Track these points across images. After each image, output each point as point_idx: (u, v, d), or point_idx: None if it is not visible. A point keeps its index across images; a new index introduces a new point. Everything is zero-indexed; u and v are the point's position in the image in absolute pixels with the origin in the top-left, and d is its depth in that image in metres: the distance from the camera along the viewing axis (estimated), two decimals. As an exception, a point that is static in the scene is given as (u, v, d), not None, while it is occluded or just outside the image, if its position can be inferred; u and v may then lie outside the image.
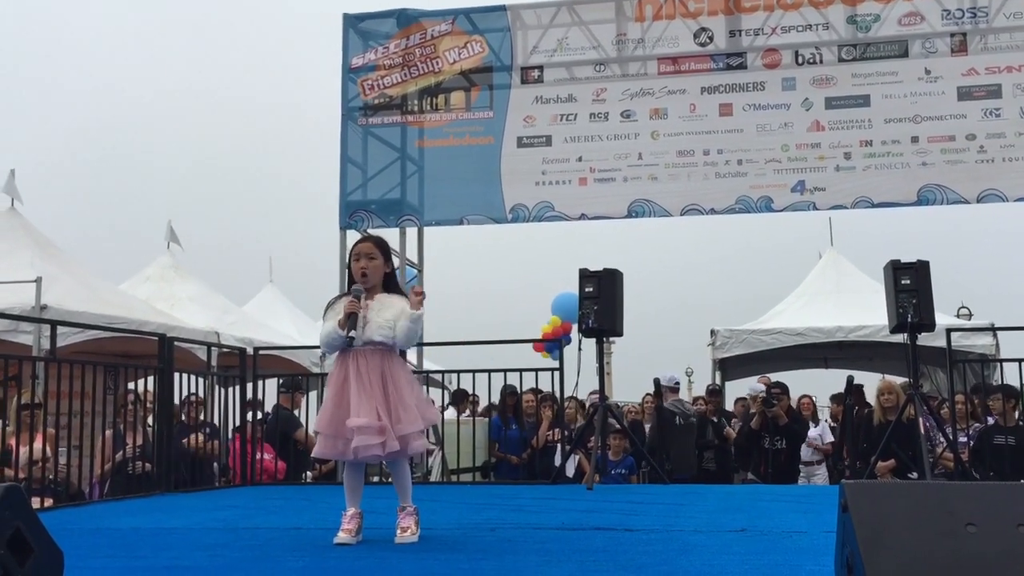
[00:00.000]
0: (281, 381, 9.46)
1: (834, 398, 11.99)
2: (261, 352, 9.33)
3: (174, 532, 5.07)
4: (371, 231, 9.94)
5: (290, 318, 15.99)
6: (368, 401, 4.36)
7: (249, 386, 8.57)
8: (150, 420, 8.14)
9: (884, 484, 2.59)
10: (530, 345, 12.83)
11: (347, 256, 4.71)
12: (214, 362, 9.20)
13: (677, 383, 10.47)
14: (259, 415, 8.81)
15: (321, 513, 5.85)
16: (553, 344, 14.12)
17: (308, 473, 9.20)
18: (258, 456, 8.54)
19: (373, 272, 4.56)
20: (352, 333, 4.41)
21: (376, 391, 4.38)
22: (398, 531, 4.50)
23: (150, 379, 8.08)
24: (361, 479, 4.62)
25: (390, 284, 4.67)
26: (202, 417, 8.65)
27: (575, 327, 12.79)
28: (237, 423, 8.68)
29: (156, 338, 7.84)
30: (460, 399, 10.37)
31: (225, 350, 9.79)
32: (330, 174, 9.97)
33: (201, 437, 8.23)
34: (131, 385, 8.11)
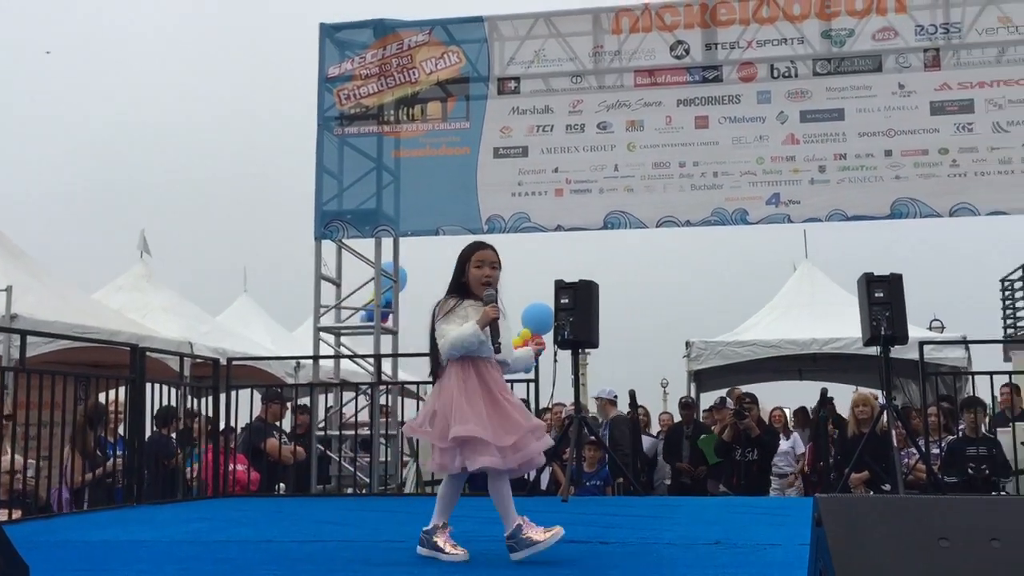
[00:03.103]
0: (263, 392, 9.44)
1: (799, 412, 12.06)
2: (235, 363, 9.26)
3: (143, 545, 5.01)
4: (346, 241, 9.92)
5: (265, 328, 15.90)
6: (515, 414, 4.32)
7: (222, 397, 8.51)
8: (120, 431, 8.06)
9: (857, 498, 2.59)
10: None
11: (465, 259, 4.49)
12: (187, 372, 9.12)
13: (615, 396, 10.51)
14: (232, 426, 8.75)
15: (293, 525, 5.81)
16: None
17: (281, 484, 9.13)
18: (231, 467, 8.47)
19: (496, 281, 4.45)
20: (500, 340, 4.32)
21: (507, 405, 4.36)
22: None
23: (121, 389, 8.01)
24: None
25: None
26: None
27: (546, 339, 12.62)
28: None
29: (128, 348, 7.76)
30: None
31: (199, 360, 9.71)
32: (306, 184, 9.93)
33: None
34: (102, 396, 8.02)
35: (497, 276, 4.46)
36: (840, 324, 12.89)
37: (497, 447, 4.19)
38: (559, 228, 9.47)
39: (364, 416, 9.60)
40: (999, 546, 2.42)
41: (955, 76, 8.96)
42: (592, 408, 11.61)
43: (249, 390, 9.17)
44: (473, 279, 4.44)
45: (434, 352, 4.45)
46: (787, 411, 11.99)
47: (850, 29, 9.18)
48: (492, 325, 4.29)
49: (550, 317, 14.85)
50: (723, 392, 12.90)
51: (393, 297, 10.32)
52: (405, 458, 9.49)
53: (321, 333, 9.84)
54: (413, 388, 10.72)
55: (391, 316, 10.25)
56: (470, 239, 9.70)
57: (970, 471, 8.09)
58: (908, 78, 9.05)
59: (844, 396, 10.90)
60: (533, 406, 8.48)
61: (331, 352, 10.00)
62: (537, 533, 4.18)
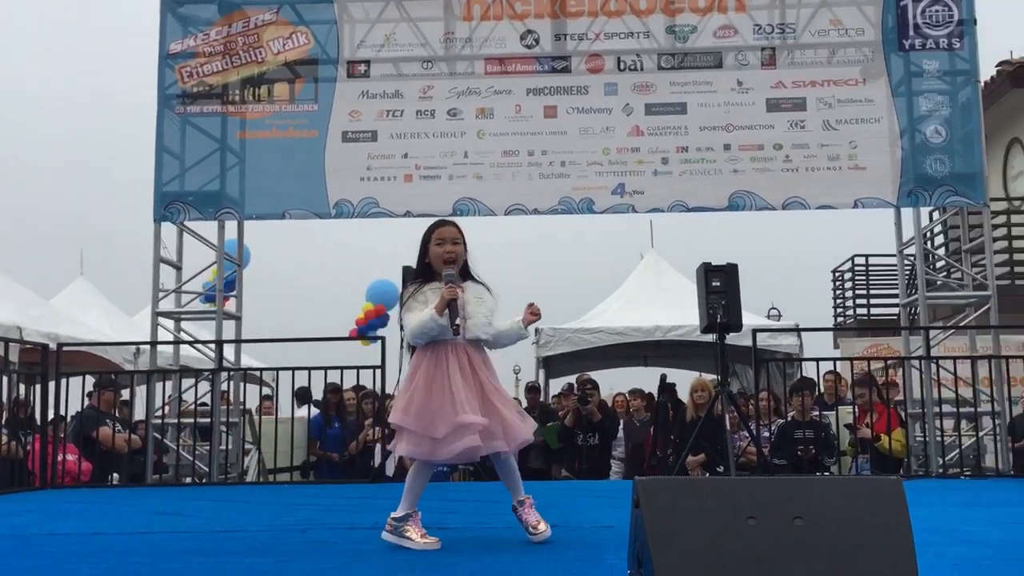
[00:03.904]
0: (95, 379, 9.05)
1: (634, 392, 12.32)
2: (68, 348, 8.87)
3: (-43, 541, 4.74)
4: (188, 223, 9.62)
5: (103, 313, 15.24)
6: (474, 399, 4.18)
7: (51, 384, 8.13)
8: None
9: (673, 480, 2.69)
10: (351, 343, 12.68)
11: (426, 240, 4.41)
12: (14, 358, 8.67)
13: None
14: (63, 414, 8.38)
15: (124, 517, 5.61)
16: (366, 328, 14.07)
17: (115, 475, 8.80)
18: (60, 457, 8.12)
19: (459, 257, 4.36)
20: (459, 321, 4.20)
21: (477, 389, 4.23)
22: (531, 529, 4.35)
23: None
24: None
25: (467, 271, 4.46)
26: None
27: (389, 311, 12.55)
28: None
29: (-54, 333, 7.34)
30: (305, 397, 10.04)
31: (28, 346, 9.24)
32: (145, 164, 9.57)
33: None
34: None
35: (460, 252, 4.39)
36: (683, 312, 13.31)
37: (430, 437, 4.15)
38: (408, 214, 9.41)
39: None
40: (801, 524, 2.55)
41: (789, 75, 9.35)
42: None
43: (81, 377, 8.77)
44: (435, 257, 4.38)
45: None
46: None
47: (693, 25, 9.45)
48: (451, 307, 4.21)
49: (395, 291, 14.85)
50: (572, 378, 13.15)
51: (237, 281, 10.06)
52: (247, 446, 9.29)
53: (160, 318, 9.51)
54: (256, 374, 10.52)
55: (234, 300, 9.99)
56: (318, 224, 9.66)
57: (799, 453, 8.50)
58: (746, 75, 9.39)
59: (687, 382, 11.26)
60: (379, 394, 8.45)
61: (171, 337, 9.68)
62: (417, 534, 4.23)
